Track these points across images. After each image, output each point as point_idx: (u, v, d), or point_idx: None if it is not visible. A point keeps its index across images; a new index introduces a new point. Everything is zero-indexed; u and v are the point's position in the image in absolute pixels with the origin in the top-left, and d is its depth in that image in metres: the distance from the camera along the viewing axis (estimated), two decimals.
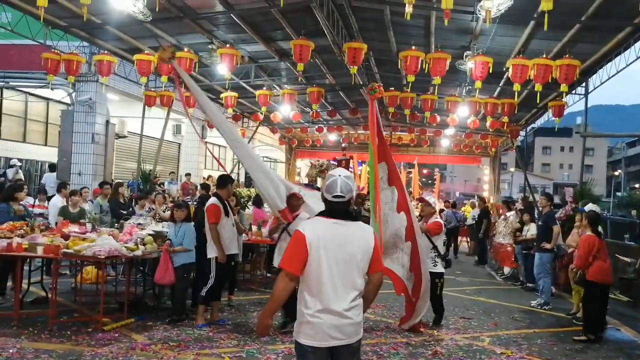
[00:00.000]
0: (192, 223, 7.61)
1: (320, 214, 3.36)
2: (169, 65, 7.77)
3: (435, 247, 7.64)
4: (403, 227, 7.31)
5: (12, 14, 12.43)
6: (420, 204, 8.35)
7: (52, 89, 15.28)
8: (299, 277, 3.20)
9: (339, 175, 3.31)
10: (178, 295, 7.40)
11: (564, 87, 10.22)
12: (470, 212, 18.89)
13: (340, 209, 3.29)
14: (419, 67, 10.25)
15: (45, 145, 19.68)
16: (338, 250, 3.19)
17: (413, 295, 7.32)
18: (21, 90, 18.35)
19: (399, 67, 10.97)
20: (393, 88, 14.47)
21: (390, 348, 6.52)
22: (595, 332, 7.39)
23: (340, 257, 3.19)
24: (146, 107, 14.73)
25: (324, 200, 3.36)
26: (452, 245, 17.34)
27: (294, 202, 7.04)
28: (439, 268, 7.61)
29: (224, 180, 7.61)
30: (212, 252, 7.09)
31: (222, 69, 12.10)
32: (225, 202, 7.42)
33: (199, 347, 6.22)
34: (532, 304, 9.68)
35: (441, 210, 17.33)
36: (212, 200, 7.27)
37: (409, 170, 31.17)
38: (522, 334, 7.60)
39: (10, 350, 5.70)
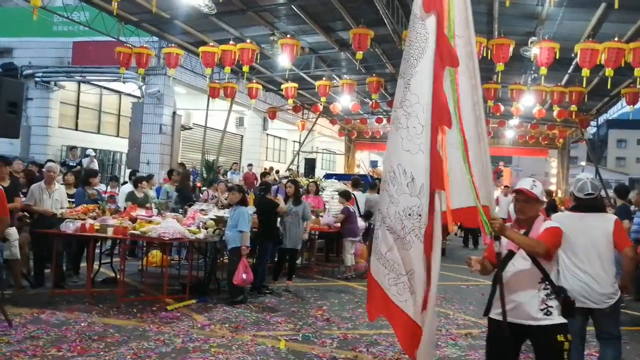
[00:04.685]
0: (248, 207, 7.85)
1: (570, 208, 4.56)
2: None
3: (547, 278, 3.50)
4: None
5: (89, 12, 13.13)
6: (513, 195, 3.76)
7: (124, 81, 16.01)
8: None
9: (587, 178, 4.48)
10: (230, 277, 7.52)
11: (638, 72, 9.72)
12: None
13: (590, 204, 4.43)
14: (481, 54, 10.03)
15: (117, 136, 20.59)
16: (579, 238, 4.37)
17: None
18: (96, 85, 19.32)
19: None
20: None
21: (448, 338, 6.37)
22: None
23: (581, 243, 4.38)
24: (210, 98, 15.16)
25: (575, 197, 4.49)
26: None
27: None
28: (556, 317, 3.45)
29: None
30: None
31: (283, 59, 12.29)
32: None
33: (256, 329, 6.39)
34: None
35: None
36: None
37: None
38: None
39: (82, 324, 6.08)
